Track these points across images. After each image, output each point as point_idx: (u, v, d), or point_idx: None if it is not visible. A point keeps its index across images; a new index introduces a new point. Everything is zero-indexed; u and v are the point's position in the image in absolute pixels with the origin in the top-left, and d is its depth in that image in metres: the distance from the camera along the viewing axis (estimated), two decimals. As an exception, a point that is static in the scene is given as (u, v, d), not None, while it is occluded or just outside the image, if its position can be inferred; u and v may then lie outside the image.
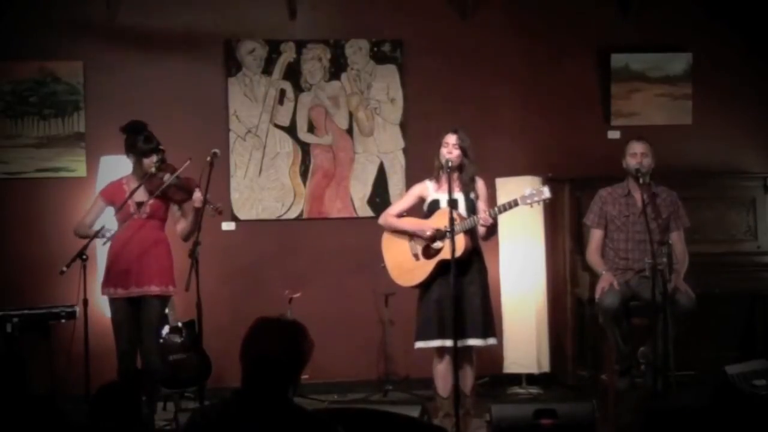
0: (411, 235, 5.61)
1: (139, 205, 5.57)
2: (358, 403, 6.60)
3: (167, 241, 5.72)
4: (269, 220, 7.20)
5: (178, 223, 5.72)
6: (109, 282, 5.60)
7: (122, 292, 5.57)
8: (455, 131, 5.59)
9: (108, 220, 5.71)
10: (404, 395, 6.77)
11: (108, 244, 5.62)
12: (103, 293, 5.61)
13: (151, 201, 5.58)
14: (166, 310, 6.31)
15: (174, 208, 5.71)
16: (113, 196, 5.68)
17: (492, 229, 5.51)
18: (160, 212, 5.65)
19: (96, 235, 5.53)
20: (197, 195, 5.53)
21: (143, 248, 5.57)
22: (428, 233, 5.51)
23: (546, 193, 5.44)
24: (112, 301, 5.61)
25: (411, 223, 5.63)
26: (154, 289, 5.59)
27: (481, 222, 5.41)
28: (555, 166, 6.97)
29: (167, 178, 5.54)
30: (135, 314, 5.59)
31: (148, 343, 5.61)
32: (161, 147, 5.59)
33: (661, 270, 5.41)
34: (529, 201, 5.46)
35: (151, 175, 5.56)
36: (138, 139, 5.57)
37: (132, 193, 5.54)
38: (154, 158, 5.57)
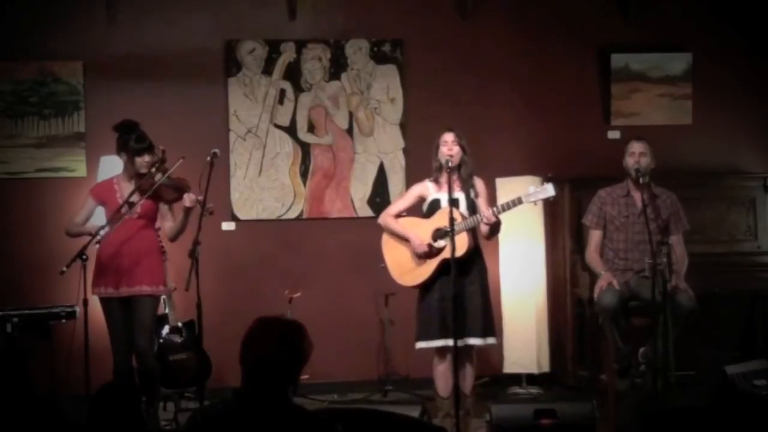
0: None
1: (130, 204, 5.56)
2: (358, 403, 6.60)
3: (158, 241, 5.72)
4: (269, 220, 7.20)
5: (166, 222, 5.71)
6: (99, 281, 5.58)
7: (113, 291, 5.56)
8: (451, 129, 5.59)
9: (97, 218, 5.72)
10: (404, 395, 6.76)
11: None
12: (93, 293, 5.59)
13: (143, 201, 5.57)
14: (166, 310, 6.33)
15: (164, 208, 5.70)
16: (103, 195, 5.66)
17: (495, 228, 5.50)
18: (151, 212, 5.64)
19: (95, 234, 5.52)
20: (188, 195, 5.52)
21: (134, 248, 5.55)
22: (420, 251, 5.50)
23: (550, 191, 5.43)
24: (105, 301, 5.60)
25: (409, 229, 5.60)
26: (146, 289, 5.57)
27: (485, 220, 5.41)
28: (555, 166, 6.96)
29: (159, 177, 5.53)
30: (128, 314, 5.59)
31: (143, 344, 5.59)
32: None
33: (661, 270, 5.41)
34: (532, 199, 5.45)
35: (143, 174, 5.55)
36: (130, 138, 5.56)
37: (130, 195, 5.52)
38: (146, 157, 5.55)
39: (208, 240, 5.85)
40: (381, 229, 5.74)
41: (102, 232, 5.50)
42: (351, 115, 7.28)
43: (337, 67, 7.26)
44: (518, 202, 5.43)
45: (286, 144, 7.21)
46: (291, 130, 7.22)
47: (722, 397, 5.63)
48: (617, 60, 7.42)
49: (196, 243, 5.42)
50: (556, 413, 4.99)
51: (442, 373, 5.59)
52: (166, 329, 6.37)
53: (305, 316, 4.02)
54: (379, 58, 7.29)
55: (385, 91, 7.29)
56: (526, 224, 6.94)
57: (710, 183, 7.23)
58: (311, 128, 7.24)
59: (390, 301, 6.84)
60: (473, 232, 5.51)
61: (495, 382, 6.99)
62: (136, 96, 6.95)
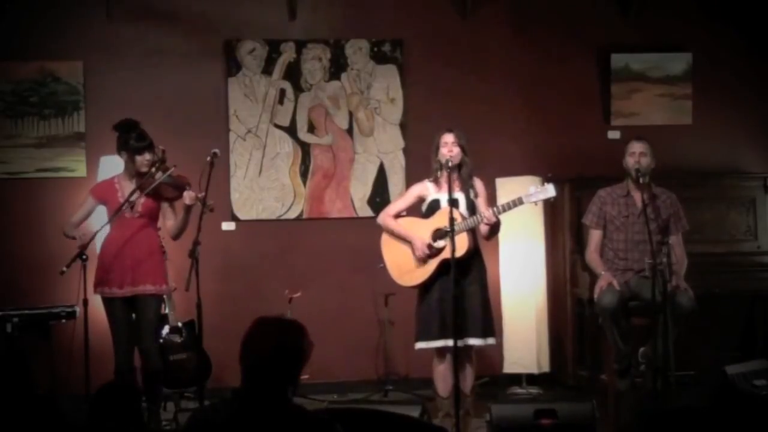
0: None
1: (131, 203, 5.56)
2: (358, 403, 6.60)
3: (159, 240, 5.72)
4: (269, 220, 7.20)
5: (168, 221, 5.71)
6: (102, 281, 5.59)
7: (117, 291, 5.56)
8: (451, 130, 5.58)
9: (97, 218, 5.72)
10: (404, 395, 6.77)
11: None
12: (95, 292, 5.59)
13: (143, 199, 5.57)
14: (166, 310, 6.33)
15: (165, 206, 5.70)
16: (104, 194, 5.67)
17: (495, 228, 5.49)
18: (152, 211, 5.64)
19: (94, 236, 5.53)
20: (188, 193, 5.52)
21: (136, 247, 5.56)
22: (421, 254, 5.49)
23: (550, 191, 5.42)
24: (108, 301, 5.60)
25: (408, 230, 5.60)
26: (149, 288, 5.58)
27: (485, 220, 5.40)
28: (555, 166, 6.97)
29: (159, 175, 5.53)
30: (131, 313, 5.59)
31: (148, 343, 5.61)
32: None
33: (661, 270, 5.41)
34: (533, 199, 5.45)
35: (143, 173, 5.56)
36: (130, 137, 5.56)
37: (131, 194, 5.53)
38: (147, 156, 5.56)
39: (208, 240, 5.85)
40: (381, 229, 5.74)
41: (104, 230, 5.51)
42: (351, 115, 7.28)
43: (337, 67, 7.26)
44: (519, 202, 5.43)
45: (286, 144, 7.21)
46: (291, 130, 7.22)
47: (722, 397, 5.62)
48: (617, 60, 7.43)
49: (196, 243, 5.43)
50: (556, 413, 4.99)
51: (441, 374, 5.59)
52: (166, 329, 6.38)
53: (305, 316, 4.01)
54: (379, 58, 7.29)
55: (385, 91, 7.30)
56: (526, 224, 6.94)
57: (710, 183, 7.23)
58: (311, 128, 7.24)
59: (390, 301, 6.84)
60: (473, 232, 5.51)
61: (495, 382, 6.99)
62: (136, 96, 6.95)
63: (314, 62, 7.23)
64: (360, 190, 7.26)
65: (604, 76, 7.46)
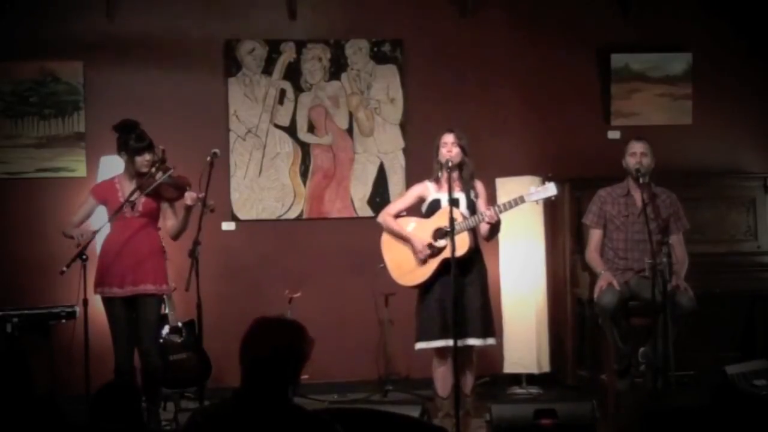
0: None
1: (132, 203, 5.57)
2: (358, 403, 6.59)
3: (160, 240, 5.72)
4: (269, 220, 7.20)
5: (168, 221, 5.71)
6: (102, 281, 5.59)
7: (117, 291, 5.56)
8: (451, 130, 5.59)
9: (97, 218, 5.72)
10: (404, 395, 6.76)
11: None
12: (96, 292, 5.59)
13: (144, 199, 5.57)
14: (166, 310, 6.33)
15: (165, 206, 5.70)
16: (105, 194, 5.67)
17: (496, 228, 5.50)
18: (153, 211, 5.64)
19: (93, 236, 5.53)
20: (189, 193, 5.52)
21: (137, 247, 5.56)
22: (421, 256, 5.50)
23: (552, 189, 5.43)
24: (108, 301, 5.60)
25: (409, 231, 5.61)
26: (150, 288, 5.58)
27: (487, 219, 5.40)
28: (555, 166, 6.95)
29: (160, 176, 5.53)
30: (131, 313, 5.59)
31: (148, 343, 5.61)
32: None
33: (661, 270, 5.41)
34: (534, 198, 5.46)
35: (144, 173, 5.56)
36: (130, 138, 5.56)
37: (131, 194, 5.53)
38: (147, 156, 5.56)
39: (208, 240, 5.84)
40: (381, 229, 5.74)
41: (104, 230, 5.51)
42: (351, 115, 7.28)
43: (337, 67, 7.26)
44: (520, 201, 5.43)
45: (286, 144, 7.21)
46: (291, 130, 7.22)
47: (722, 397, 5.62)
48: (617, 60, 7.42)
49: (196, 243, 5.43)
50: (556, 413, 5.00)
51: (441, 374, 5.60)
52: (166, 329, 6.38)
53: (305, 316, 4.02)
54: (379, 58, 7.29)
55: (385, 91, 7.30)
56: (526, 224, 6.94)
57: (710, 183, 7.24)
58: (311, 128, 7.24)
59: (390, 301, 6.83)
60: (473, 232, 5.51)
61: (495, 382, 6.99)
62: (136, 96, 6.95)
63: (314, 62, 7.23)
64: (360, 190, 7.26)
65: (604, 76, 7.46)
